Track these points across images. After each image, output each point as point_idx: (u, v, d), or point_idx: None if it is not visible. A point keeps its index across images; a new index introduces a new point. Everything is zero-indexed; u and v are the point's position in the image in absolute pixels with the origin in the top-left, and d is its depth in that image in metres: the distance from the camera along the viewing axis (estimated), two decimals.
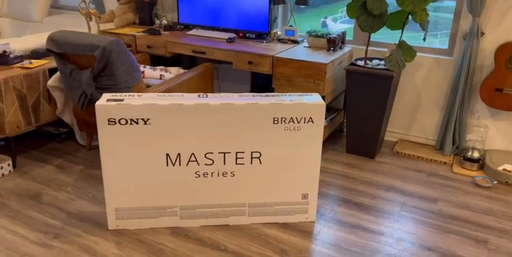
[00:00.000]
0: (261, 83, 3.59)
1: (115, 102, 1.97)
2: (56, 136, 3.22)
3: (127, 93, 2.10)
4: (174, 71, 3.13)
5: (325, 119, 3.28)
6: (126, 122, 2.00)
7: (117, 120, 1.99)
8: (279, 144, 2.12)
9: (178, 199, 2.18)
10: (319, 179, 2.52)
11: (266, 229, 2.24)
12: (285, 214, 2.28)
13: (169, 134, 2.04)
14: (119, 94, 2.08)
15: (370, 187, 2.69)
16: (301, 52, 3.07)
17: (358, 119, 2.99)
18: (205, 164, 2.12)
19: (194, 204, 2.20)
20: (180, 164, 2.10)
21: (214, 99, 2.06)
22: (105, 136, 2.01)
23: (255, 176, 2.17)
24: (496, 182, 2.75)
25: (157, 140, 2.05)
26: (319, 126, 2.10)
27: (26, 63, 2.91)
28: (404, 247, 2.14)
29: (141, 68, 2.99)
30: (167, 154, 2.08)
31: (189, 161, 2.10)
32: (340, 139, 3.37)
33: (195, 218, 2.23)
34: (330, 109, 3.44)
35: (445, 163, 3.01)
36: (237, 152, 2.11)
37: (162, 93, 2.12)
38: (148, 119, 2.00)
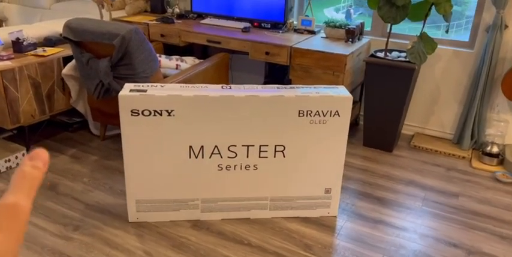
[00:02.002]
0: (275, 74, 3.53)
1: (138, 93, 1.92)
2: (69, 126, 3.18)
3: (149, 84, 2.05)
4: (189, 60, 3.07)
5: None
6: (150, 113, 1.96)
7: (140, 112, 1.95)
8: (303, 137, 2.07)
9: (200, 191, 2.14)
10: None
11: (288, 223, 2.22)
12: (307, 208, 2.25)
13: (193, 126, 2.00)
14: (141, 84, 2.03)
15: (389, 181, 2.66)
16: (318, 43, 3.01)
17: (376, 112, 2.95)
18: (228, 157, 2.08)
19: (216, 197, 2.17)
20: (203, 157, 2.06)
21: (239, 91, 2.01)
22: (128, 127, 1.97)
23: (278, 169, 2.14)
24: None
25: (180, 132, 2.00)
26: (346, 120, 2.06)
27: (39, 51, 2.85)
28: (429, 243, 2.12)
29: (158, 57, 2.93)
30: (190, 146, 2.04)
31: (212, 153, 2.06)
32: (356, 132, 3.33)
33: (216, 212, 2.20)
34: None
35: (463, 157, 2.97)
36: (260, 145, 2.07)
37: (185, 84, 2.07)
38: (172, 111, 1.96)
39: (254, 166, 2.11)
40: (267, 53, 2.99)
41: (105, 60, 2.44)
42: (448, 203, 2.45)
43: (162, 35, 3.40)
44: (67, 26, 2.49)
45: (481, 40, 2.91)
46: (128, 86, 2.01)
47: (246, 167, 2.11)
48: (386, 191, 2.55)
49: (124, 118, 1.95)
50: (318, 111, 2.03)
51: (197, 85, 2.07)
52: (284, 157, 2.11)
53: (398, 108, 2.87)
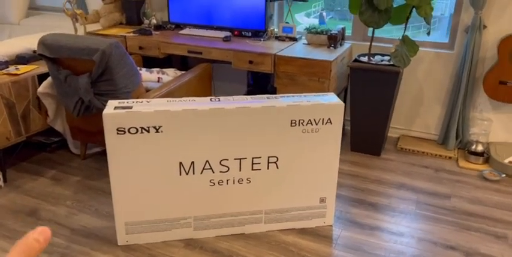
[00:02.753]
0: (259, 82, 3.50)
1: (124, 110, 1.84)
2: (47, 146, 3.05)
3: (134, 100, 1.97)
4: (170, 72, 2.99)
5: None
6: (137, 131, 1.88)
7: (126, 130, 1.86)
8: (296, 147, 2.03)
9: (192, 209, 2.07)
10: None
11: (284, 236, 2.16)
12: (302, 219, 2.20)
13: (183, 142, 1.93)
14: (125, 101, 1.95)
15: (381, 186, 2.64)
16: (301, 50, 2.99)
17: (363, 117, 2.94)
18: (221, 172, 2.01)
19: (209, 214, 2.09)
20: (194, 173, 1.99)
21: (229, 103, 1.96)
22: (114, 146, 1.88)
23: (272, 181, 2.08)
24: (504, 175, 2.75)
25: (169, 149, 1.93)
26: (338, 127, 2.03)
27: (12, 69, 2.73)
28: (426, 247, 2.10)
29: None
30: (180, 163, 1.97)
31: (203, 169, 1.99)
32: (343, 137, 3.30)
33: (209, 229, 2.13)
34: None
35: (450, 157, 2.99)
36: (253, 158, 2.02)
37: (172, 99, 2.00)
38: (160, 127, 1.89)
39: (247, 179, 2.06)
40: (250, 62, 2.95)
41: (85, 77, 2.35)
42: (441, 204, 2.45)
43: (140, 48, 3.32)
44: (42, 43, 2.38)
45: (461, 41, 2.94)
46: (111, 104, 1.92)
47: (239, 181, 2.05)
48: (379, 196, 2.53)
49: (109, 137, 1.86)
50: (310, 120, 1.99)
51: (184, 99, 2.01)
52: (277, 168, 2.06)
53: (384, 112, 2.87)
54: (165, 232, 2.10)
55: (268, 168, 2.05)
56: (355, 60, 2.88)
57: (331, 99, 2.03)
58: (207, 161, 1.98)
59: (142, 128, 1.87)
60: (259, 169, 2.05)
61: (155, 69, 2.96)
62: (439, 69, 3.05)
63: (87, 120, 2.63)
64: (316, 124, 2.00)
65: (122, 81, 2.38)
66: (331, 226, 2.25)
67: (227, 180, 2.04)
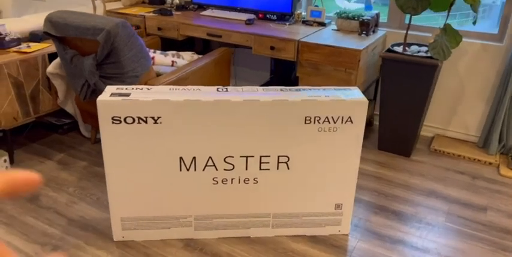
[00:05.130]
0: (283, 70, 3.26)
1: (120, 98, 1.67)
2: (59, 127, 2.95)
3: (135, 86, 1.79)
4: (187, 56, 2.80)
5: None
6: (133, 121, 1.70)
7: (122, 119, 1.69)
8: (310, 147, 1.81)
9: (193, 208, 1.90)
10: None
11: (292, 243, 1.96)
12: (315, 226, 1.99)
13: (184, 135, 1.74)
14: (124, 87, 1.78)
15: (408, 192, 2.38)
16: (329, 36, 2.72)
17: (393, 113, 2.66)
18: (225, 170, 1.82)
19: (211, 214, 1.92)
20: (195, 169, 1.81)
21: (236, 94, 1.75)
22: (109, 136, 1.72)
23: (282, 183, 1.88)
24: None
25: (169, 142, 1.75)
26: (360, 127, 1.79)
27: (23, 47, 2.61)
28: None
29: (151, 53, 2.68)
30: (181, 158, 1.79)
31: (205, 165, 1.81)
32: (370, 134, 3.04)
33: (211, 230, 1.96)
34: None
35: (490, 163, 2.68)
36: (261, 156, 1.81)
37: (175, 87, 1.81)
38: (159, 118, 1.70)
39: (254, 180, 1.86)
40: (272, 48, 2.71)
41: (90, 58, 2.19)
42: (475, 218, 2.17)
43: (159, 28, 3.14)
44: (48, 20, 2.24)
45: None
46: (109, 89, 1.75)
47: (245, 180, 1.85)
48: (405, 203, 2.27)
49: (104, 126, 1.70)
50: (327, 117, 1.75)
51: (189, 87, 1.81)
52: (288, 169, 1.85)
53: (417, 109, 2.58)
54: (164, 230, 1.94)
55: (278, 168, 1.84)
56: (388, 50, 2.59)
57: (354, 94, 1.78)
58: (210, 157, 1.79)
59: (139, 118, 1.70)
60: (268, 169, 1.84)
61: (170, 53, 2.78)
62: (484, 63, 2.71)
63: (95, 105, 2.49)
64: (335, 122, 1.76)
65: (129, 64, 2.21)
66: (346, 235, 2.02)
67: (232, 179, 1.85)
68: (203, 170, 1.81)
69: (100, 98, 1.67)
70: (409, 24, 2.51)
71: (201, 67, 2.65)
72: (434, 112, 2.97)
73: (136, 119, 1.70)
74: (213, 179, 1.84)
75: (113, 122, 1.69)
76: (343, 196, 1.94)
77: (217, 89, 1.81)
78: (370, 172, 2.57)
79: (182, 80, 2.49)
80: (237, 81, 3.59)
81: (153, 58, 2.63)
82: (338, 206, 1.96)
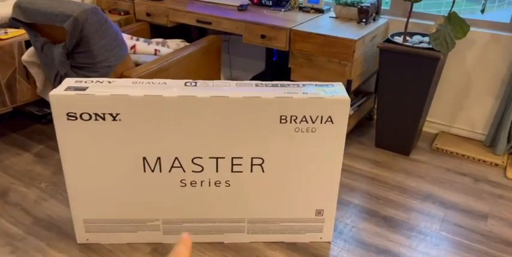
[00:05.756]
0: (279, 59, 3.07)
1: (75, 92, 1.52)
2: (42, 117, 2.83)
3: (95, 79, 1.64)
4: (173, 44, 2.64)
5: (353, 105, 2.75)
6: (90, 117, 1.56)
7: (78, 115, 1.55)
8: (287, 149, 1.64)
9: (161, 211, 1.76)
10: (340, 181, 2.05)
11: (269, 251, 1.81)
12: (294, 233, 1.83)
13: (146, 134, 1.59)
14: (84, 80, 1.63)
15: (402, 195, 2.20)
16: (325, 24, 2.51)
17: (391, 108, 2.46)
18: (193, 171, 1.67)
19: (180, 218, 1.77)
20: (160, 171, 1.66)
21: (204, 89, 1.58)
22: (65, 133, 1.58)
23: (256, 187, 1.72)
24: None
25: (130, 141, 1.60)
26: (341, 127, 1.60)
27: (0, 33, 2.48)
28: None
29: (133, 41, 2.52)
30: (144, 158, 1.64)
31: (172, 166, 1.65)
32: (369, 129, 2.85)
33: (181, 234, 1.81)
34: (358, 93, 2.91)
35: (496, 164, 2.46)
36: (233, 158, 1.65)
37: (139, 80, 1.65)
38: (117, 115, 1.55)
39: (226, 182, 1.70)
40: (262, 37, 2.52)
41: (60, 47, 2.04)
42: (474, 227, 1.98)
43: (148, 14, 2.97)
44: (17, 6, 2.09)
45: None
46: (66, 82, 1.60)
47: (215, 183, 1.70)
48: (398, 208, 2.09)
49: (58, 123, 1.56)
50: (304, 116, 1.57)
51: (155, 81, 1.65)
52: (263, 171, 1.68)
53: (417, 104, 2.37)
54: (131, 234, 1.81)
55: (251, 171, 1.68)
56: (387, 41, 2.37)
57: (336, 91, 1.60)
58: (176, 158, 1.64)
59: (96, 114, 1.55)
60: (241, 171, 1.68)
61: (155, 40, 2.62)
62: (494, 55, 2.48)
63: None
64: (313, 122, 1.59)
65: (102, 54, 2.05)
66: (329, 242, 1.86)
67: (201, 181, 1.69)
68: (169, 171, 1.66)
69: (53, 92, 1.52)
70: (410, 11, 2.29)
71: (186, 56, 2.48)
72: (439, 107, 2.75)
73: (93, 116, 1.55)
74: (181, 181, 1.69)
75: (68, 119, 1.55)
76: (324, 202, 1.77)
77: (186, 83, 1.64)
78: (364, 171, 2.39)
79: (163, 70, 2.33)
80: (232, 70, 3.42)
81: (134, 46, 2.47)
82: (319, 212, 1.79)
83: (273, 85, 1.64)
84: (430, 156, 2.56)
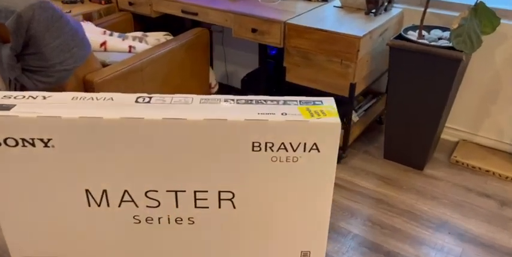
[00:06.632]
0: (276, 54, 2.71)
1: None
2: None
3: (29, 93, 1.34)
4: (151, 40, 2.31)
5: (359, 109, 2.40)
6: (17, 144, 1.26)
7: (2, 141, 1.25)
8: (262, 181, 1.31)
9: (112, 251, 1.47)
10: (338, 203, 1.72)
11: None
12: None
13: (85, 163, 1.29)
14: (14, 95, 1.33)
15: (412, 223, 1.86)
16: (328, 15, 2.14)
17: (403, 115, 2.10)
18: (148, 206, 1.37)
19: None
20: (108, 205, 1.36)
21: (158, 108, 1.26)
22: None
23: (227, 225, 1.41)
24: None
25: (67, 171, 1.30)
26: (330, 156, 1.26)
27: None
28: None
29: (104, 37, 2.20)
30: (87, 190, 1.34)
31: (121, 201, 1.35)
32: (378, 135, 2.49)
33: None
34: (366, 93, 2.54)
35: None
36: (195, 191, 1.34)
37: (82, 94, 1.34)
38: (49, 140, 1.25)
39: (189, 219, 1.39)
40: (254, 31, 2.17)
41: (7, 48, 1.74)
42: None
43: (130, 3, 2.64)
44: None
45: None
46: None
47: (176, 220, 1.40)
48: (405, 241, 1.76)
49: None
50: (283, 143, 1.24)
51: (100, 95, 1.34)
52: (234, 207, 1.37)
53: (435, 112, 2.01)
54: None
55: (219, 207, 1.37)
56: (399, 37, 1.99)
57: (323, 112, 1.25)
58: (126, 191, 1.33)
59: (23, 139, 1.25)
60: (207, 207, 1.37)
61: (132, 35, 2.29)
62: None
63: None
64: (294, 150, 1.25)
65: (56, 56, 1.75)
66: None
67: (159, 218, 1.39)
68: (119, 206, 1.36)
69: None
70: (428, 1, 1.89)
71: (166, 53, 2.16)
72: (460, 111, 2.37)
73: (20, 142, 1.25)
74: (134, 217, 1.39)
75: None
76: (311, 242, 1.45)
77: (137, 98, 1.32)
78: (369, 191, 2.05)
79: (135, 71, 2.02)
80: (227, 65, 3.08)
81: (104, 43, 2.15)
82: (305, 254, 1.47)
83: (246, 101, 1.31)
84: (447, 171, 2.19)
